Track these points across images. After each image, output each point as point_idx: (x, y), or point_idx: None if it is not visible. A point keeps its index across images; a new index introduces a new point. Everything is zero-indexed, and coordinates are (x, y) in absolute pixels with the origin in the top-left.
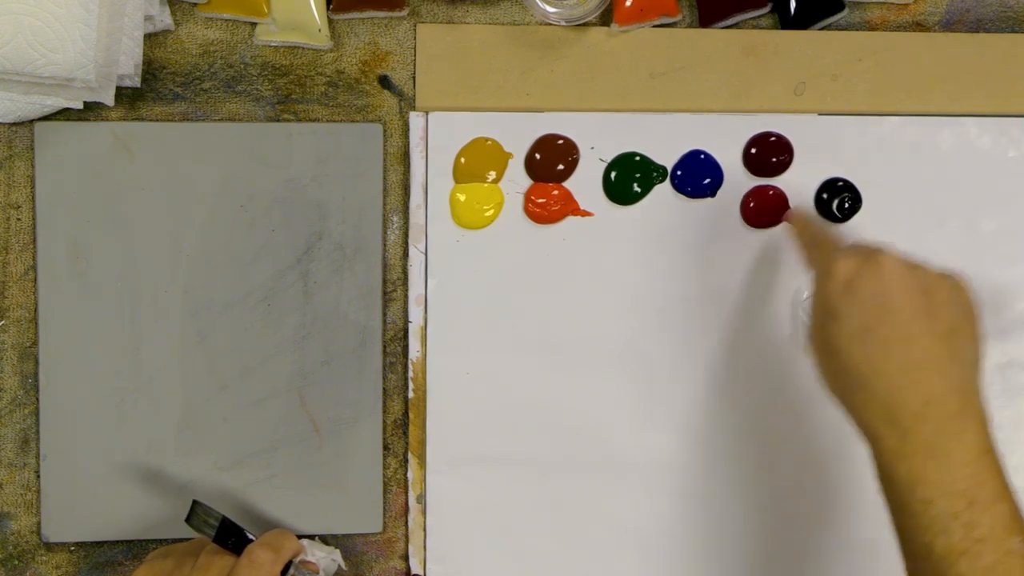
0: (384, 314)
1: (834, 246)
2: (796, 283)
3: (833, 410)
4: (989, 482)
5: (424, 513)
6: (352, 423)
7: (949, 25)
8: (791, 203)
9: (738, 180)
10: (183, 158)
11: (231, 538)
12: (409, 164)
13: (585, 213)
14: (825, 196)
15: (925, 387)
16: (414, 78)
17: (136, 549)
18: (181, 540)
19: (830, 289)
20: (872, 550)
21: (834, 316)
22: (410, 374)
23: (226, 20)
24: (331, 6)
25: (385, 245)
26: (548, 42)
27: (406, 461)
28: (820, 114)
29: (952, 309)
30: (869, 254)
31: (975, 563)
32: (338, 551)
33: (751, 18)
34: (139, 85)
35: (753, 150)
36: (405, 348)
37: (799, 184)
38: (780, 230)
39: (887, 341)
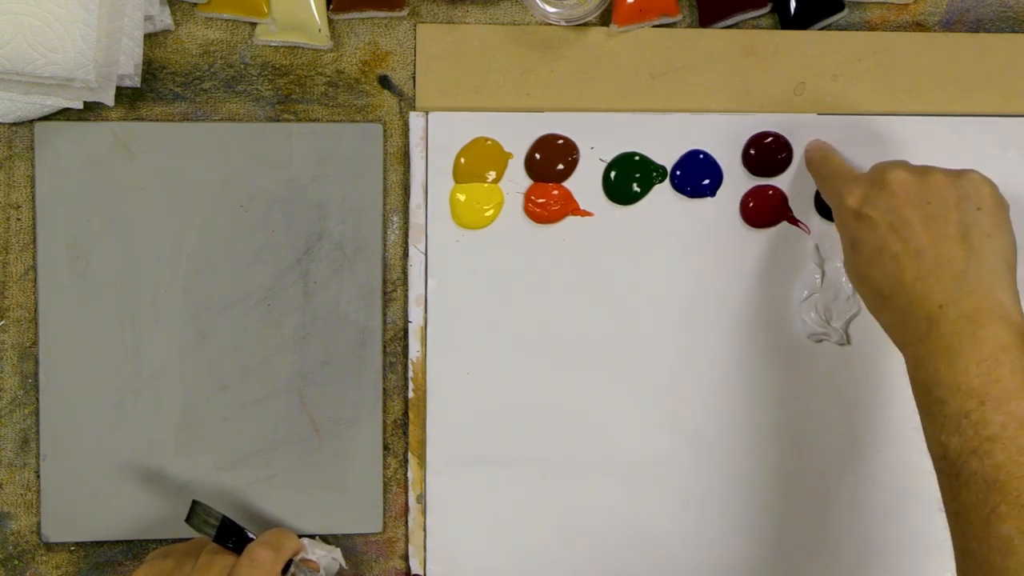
0: (384, 314)
1: (846, 177)
2: (796, 282)
3: (834, 409)
4: (1005, 380)
5: (424, 513)
6: (352, 423)
7: (949, 25)
8: (791, 203)
9: (738, 180)
10: (183, 158)
11: (231, 538)
12: (409, 164)
13: (585, 213)
14: None
15: (939, 292)
16: (414, 78)
17: (136, 549)
18: (181, 540)
19: (845, 221)
20: (876, 550)
21: (852, 245)
22: (410, 374)
23: (226, 20)
24: (331, 6)
25: (385, 245)
26: (548, 42)
27: (406, 461)
28: (820, 114)
29: (963, 208)
30: (877, 177)
31: (985, 461)
32: (339, 550)
33: (751, 18)
34: (139, 85)
35: (753, 150)
36: (405, 348)
37: (799, 184)
38: (780, 230)
39: (899, 256)
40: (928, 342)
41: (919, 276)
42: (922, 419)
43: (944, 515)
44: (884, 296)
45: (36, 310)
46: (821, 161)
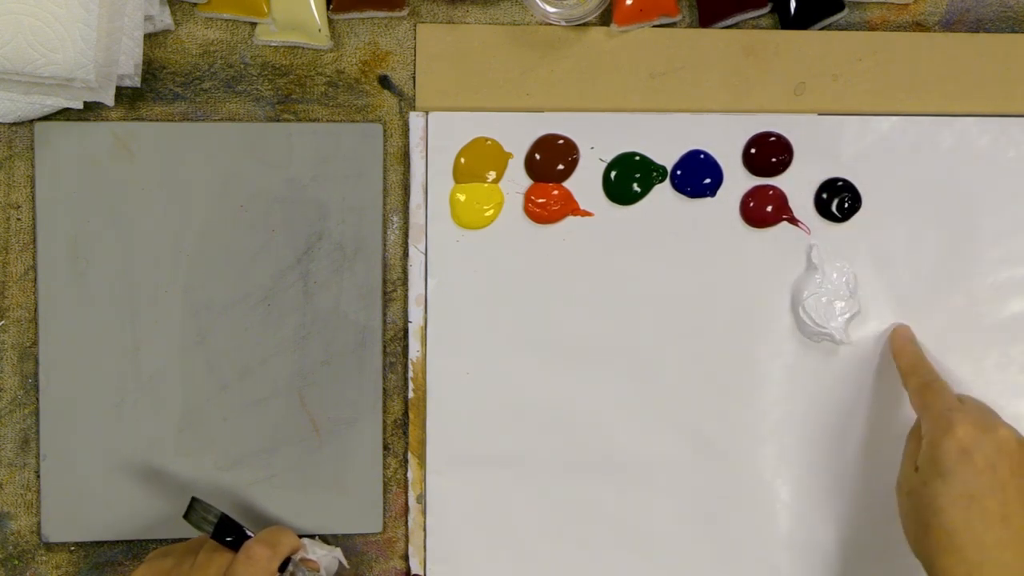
0: (384, 314)
1: (952, 400)
2: (796, 282)
3: (833, 408)
4: None
5: (424, 513)
6: (352, 423)
7: (949, 25)
8: (791, 203)
9: (738, 180)
10: (183, 158)
11: (230, 535)
12: (409, 164)
13: (585, 213)
14: (825, 196)
15: (1016, 566)
16: (414, 78)
17: (136, 549)
18: (181, 540)
19: (945, 448)
20: (878, 549)
21: (943, 475)
22: (410, 374)
23: (226, 20)
24: (331, 6)
25: (385, 245)
26: (548, 42)
27: (406, 461)
28: (820, 114)
29: None
30: (989, 425)
31: None
32: (339, 549)
33: (751, 18)
34: (139, 85)
35: (753, 150)
36: (405, 348)
37: (799, 184)
38: (780, 230)
39: (989, 514)
40: None
41: (1000, 543)
42: None
43: None
44: (952, 539)
45: (36, 310)
46: (914, 360)
